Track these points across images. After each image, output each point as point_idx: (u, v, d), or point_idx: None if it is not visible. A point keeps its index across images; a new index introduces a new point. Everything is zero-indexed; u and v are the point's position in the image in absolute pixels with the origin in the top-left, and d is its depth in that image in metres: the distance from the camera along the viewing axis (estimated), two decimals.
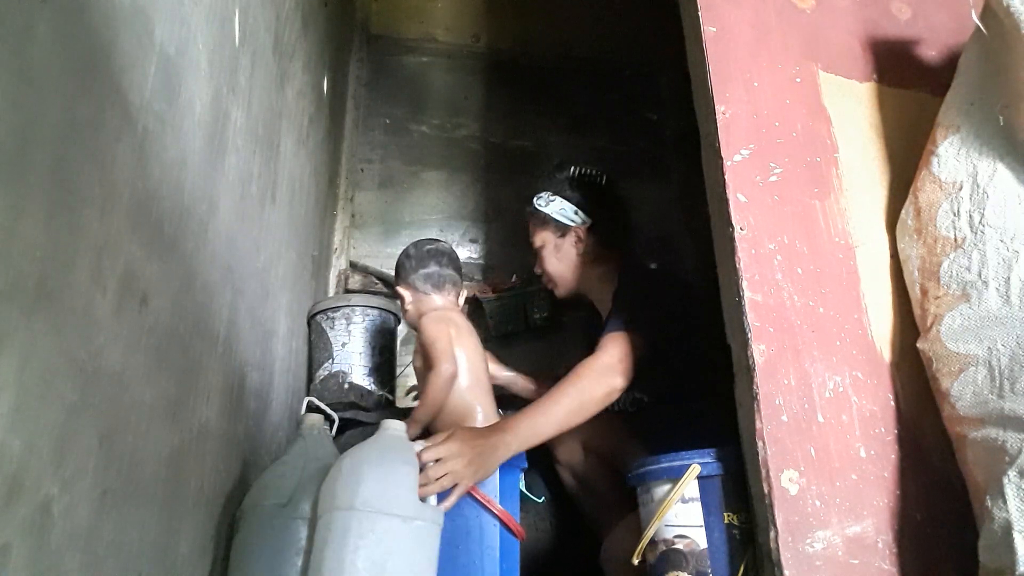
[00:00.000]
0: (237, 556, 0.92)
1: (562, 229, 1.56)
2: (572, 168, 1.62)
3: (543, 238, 1.59)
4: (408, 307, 1.44)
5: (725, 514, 0.96)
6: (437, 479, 0.96)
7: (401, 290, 1.46)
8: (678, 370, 1.38)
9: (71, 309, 0.55)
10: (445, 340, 1.30)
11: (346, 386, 1.56)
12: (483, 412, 1.30)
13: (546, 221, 1.58)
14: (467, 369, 1.32)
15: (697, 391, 1.35)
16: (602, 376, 1.24)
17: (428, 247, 1.47)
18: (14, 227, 0.48)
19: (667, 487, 1.00)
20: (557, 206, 1.56)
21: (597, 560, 1.42)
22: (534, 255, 1.65)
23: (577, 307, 1.77)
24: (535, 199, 1.60)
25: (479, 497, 1.03)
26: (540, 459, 1.48)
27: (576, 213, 1.55)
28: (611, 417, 1.55)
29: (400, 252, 1.49)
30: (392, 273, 2.03)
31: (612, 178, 1.66)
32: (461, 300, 1.48)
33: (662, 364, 1.34)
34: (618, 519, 1.35)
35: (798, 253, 1.00)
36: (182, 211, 0.78)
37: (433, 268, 1.43)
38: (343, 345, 1.59)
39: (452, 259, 1.47)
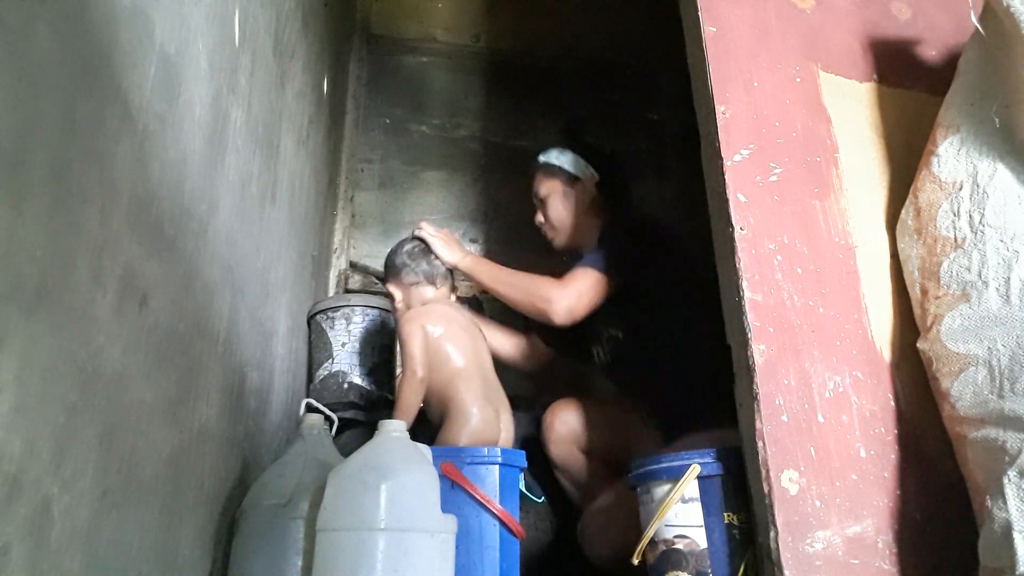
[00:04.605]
0: (237, 556, 0.92)
1: (572, 180, 1.64)
2: (582, 133, 1.75)
3: (551, 187, 1.66)
4: (399, 305, 1.45)
5: (725, 514, 0.96)
6: (424, 229, 1.49)
7: (392, 288, 1.46)
8: (651, 308, 1.46)
9: (71, 309, 0.55)
10: (416, 343, 1.30)
11: (346, 386, 1.55)
12: (483, 401, 1.29)
13: (557, 172, 1.65)
14: (463, 361, 1.31)
15: (669, 327, 1.45)
16: (555, 293, 1.40)
17: (417, 245, 1.48)
18: (14, 227, 0.48)
19: (667, 487, 1.00)
20: (569, 158, 1.65)
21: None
22: (534, 208, 1.72)
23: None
24: (544, 153, 1.69)
25: (479, 497, 1.03)
26: (538, 462, 1.48)
27: (587, 167, 1.64)
28: (606, 409, 1.56)
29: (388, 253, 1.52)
30: None
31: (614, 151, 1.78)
32: (453, 296, 1.50)
33: (634, 302, 1.45)
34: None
35: (798, 253, 1.00)
36: (182, 211, 0.78)
37: (424, 264, 1.45)
38: (343, 345, 1.59)
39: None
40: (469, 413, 1.26)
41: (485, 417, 1.27)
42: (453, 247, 1.49)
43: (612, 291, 1.43)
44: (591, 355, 1.61)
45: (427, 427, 1.34)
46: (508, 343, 1.69)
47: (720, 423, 1.12)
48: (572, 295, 1.40)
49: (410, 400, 1.27)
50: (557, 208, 1.65)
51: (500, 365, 1.49)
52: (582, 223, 1.63)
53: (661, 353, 1.44)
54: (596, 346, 1.57)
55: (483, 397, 1.29)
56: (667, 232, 1.61)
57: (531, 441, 1.53)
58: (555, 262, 2.15)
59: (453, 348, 1.32)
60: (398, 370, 1.73)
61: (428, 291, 1.43)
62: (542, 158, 1.68)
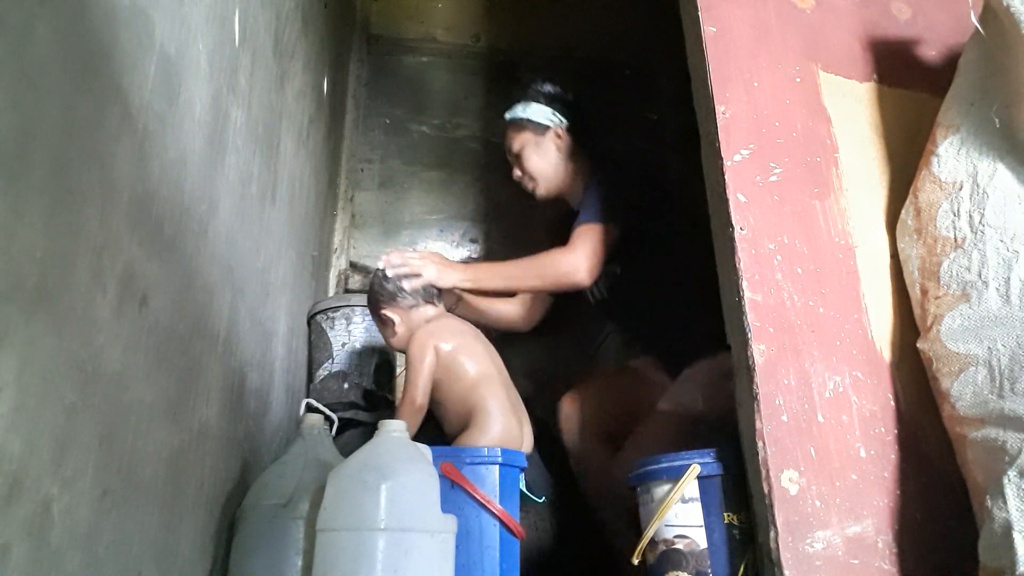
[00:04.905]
0: (237, 556, 0.92)
1: (541, 129, 1.67)
2: (543, 83, 1.76)
3: (523, 140, 1.69)
4: (399, 329, 1.40)
5: (725, 514, 0.96)
6: (411, 264, 1.38)
7: (389, 314, 1.40)
8: (646, 240, 1.51)
9: (71, 309, 0.55)
10: (424, 369, 1.27)
11: (346, 386, 1.56)
12: (508, 410, 1.27)
13: (525, 124, 1.68)
14: (481, 368, 1.29)
15: (664, 257, 1.50)
16: (570, 262, 1.42)
17: None
18: (14, 227, 0.48)
19: (667, 487, 1.00)
20: (535, 109, 1.68)
21: (597, 559, 1.42)
22: (511, 166, 1.74)
23: (575, 299, 1.81)
24: (510, 110, 1.71)
25: (479, 497, 1.03)
26: (543, 458, 1.48)
27: (554, 114, 1.67)
28: (615, 384, 1.58)
29: (372, 279, 1.45)
30: None
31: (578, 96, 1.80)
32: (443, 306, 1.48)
33: (630, 237, 1.48)
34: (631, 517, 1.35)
35: (798, 253, 1.00)
36: (182, 211, 0.78)
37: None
38: (343, 345, 1.59)
39: None
40: (494, 420, 1.24)
41: (508, 426, 1.25)
42: (447, 270, 1.42)
43: (617, 235, 1.46)
44: (587, 294, 1.63)
45: (431, 429, 1.34)
46: (508, 307, 1.73)
47: (721, 349, 1.11)
48: (587, 255, 1.42)
49: (408, 426, 1.26)
50: (532, 159, 1.67)
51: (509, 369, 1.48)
52: (561, 170, 1.67)
53: (658, 283, 1.47)
54: (592, 284, 1.57)
55: (507, 406, 1.28)
56: (648, 169, 1.65)
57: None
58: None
59: (468, 359, 1.30)
60: (398, 370, 1.74)
61: (428, 310, 1.40)
62: (508, 115, 1.71)
